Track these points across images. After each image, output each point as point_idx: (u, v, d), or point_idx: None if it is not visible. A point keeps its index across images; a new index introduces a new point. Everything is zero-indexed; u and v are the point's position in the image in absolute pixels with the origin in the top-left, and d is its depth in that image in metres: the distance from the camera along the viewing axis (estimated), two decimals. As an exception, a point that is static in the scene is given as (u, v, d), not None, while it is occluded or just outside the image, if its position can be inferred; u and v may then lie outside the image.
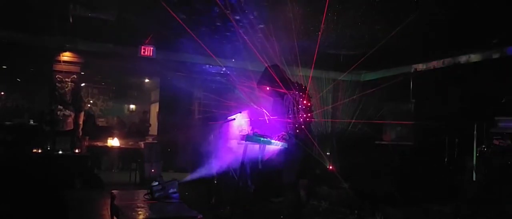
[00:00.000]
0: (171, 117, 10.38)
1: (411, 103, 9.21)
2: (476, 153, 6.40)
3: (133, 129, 11.39)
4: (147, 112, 12.40)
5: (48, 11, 7.28)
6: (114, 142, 9.07)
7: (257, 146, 4.85)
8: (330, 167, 7.58)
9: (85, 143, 8.65)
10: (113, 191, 4.51)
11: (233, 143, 5.31)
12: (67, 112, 8.81)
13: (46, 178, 6.86)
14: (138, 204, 3.94)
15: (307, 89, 4.88)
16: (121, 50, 9.26)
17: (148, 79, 12.91)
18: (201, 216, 3.60)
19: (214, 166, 5.99)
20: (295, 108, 4.63)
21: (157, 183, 4.22)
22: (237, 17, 6.76)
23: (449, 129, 7.54)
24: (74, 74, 9.09)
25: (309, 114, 4.64)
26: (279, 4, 6.32)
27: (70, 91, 8.95)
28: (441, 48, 8.28)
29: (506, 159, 5.91)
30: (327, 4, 5.88)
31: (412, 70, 9.49)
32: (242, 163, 4.98)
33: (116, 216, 4.03)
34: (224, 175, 5.67)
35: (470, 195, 6.03)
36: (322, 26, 6.85)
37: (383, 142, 9.04)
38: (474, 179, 6.46)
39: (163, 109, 11.42)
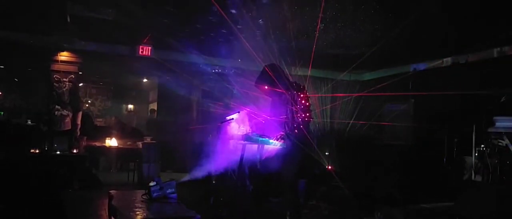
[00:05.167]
0: (169, 117, 10.36)
1: (410, 102, 9.20)
2: (475, 153, 6.39)
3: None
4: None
5: (45, 10, 7.26)
6: (112, 142, 9.04)
7: (255, 146, 4.83)
8: (329, 167, 7.57)
9: (83, 143, 8.61)
10: (111, 191, 4.49)
11: (232, 143, 5.30)
12: (65, 112, 8.78)
13: (44, 178, 6.84)
14: (136, 205, 3.92)
15: (306, 88, 4.85)
16: (119, 50, 9.24)
17: (146, 79, 12.88)
18: (199, 216, 3.58)
19: (212, 166, 5.97)
20: (293, 107, 4.61)
21: (155, 183, 4.20)
22: (236, 17, 6.74)
23: (448, 129, 7.54)
24: (72, 74, 9.07)
25: (307, 114, 4.61)
26: (278, 2, 6.31)
27: (68, 91, 8.93)
28: (441, 48, 8.27)
29: (505, 159, 5.90)
30: (322, 2, 5.86)
31: (412, 69, 9.48)
32: (241, 163, 4.96)
33: (114, 217, 4.01)
34: (223, 175, 5.65)
35: (469, 194, 6.02)
36: (319, 25, 6.84)
37: (382, 142, 9.03)
38: (473, 178, 6.45)
39: (161, 109, 11.39)
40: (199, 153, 6.65)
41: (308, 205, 6.27)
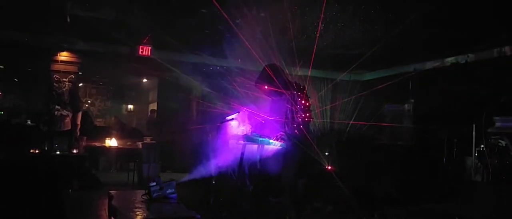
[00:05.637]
0: (169, 117, 10.36)
1: (410, 103, 9.19)
2: (475, 153, 6.39)
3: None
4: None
5: (45, 10, 7.26)
6: (112, 142, 9.03)
7: (255, 146, 4.84)
8: (329, 167, 7.56)
9: (83, 143, 8.60)
10: (110, 191, 4.48)
11: (232, 143, 5.30)
12: (65, 112, 8.77)
13: (43, 179, 6.83)
14: (136, 205, 3.92)
15: (306, 88, 4.86)
16: (119, 50, 9.24)
17: (146, 79, 12.88)
18: (199, 216, 3.57)
19: (212, 166, 5.97)
20: (293, 107, 4.62)
21: (155, 183, 4.19)
22: (236, 17, 6.74)
23: (448, 129, 7.53)
24: (71, 74, 9.09)
25: (307, 114, 4.62)
26: (279, 3, 6.31)
27: (67, 91, 8.92)
28: (441, 48, 8.27)
29: (505, 159, 5.89)
30: (324, 3, 5.87)
31: (412, 69, 9.49)
32: (241, 163, 4.96)
33: (113, 217, 4.00)
34: (223, 176, 5.65)
35: (469, 194, 6.02)
36: (320, 25, 6.84)
37: (382, 142, 9.02)
38: (473, 178, 6.45)
39: (161, 109, 11.39)
40: (199, 153, 6.65)
41: (308, 205, 6.28)
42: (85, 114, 10.02)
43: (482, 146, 6.18)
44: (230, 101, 7.73)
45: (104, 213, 5.33)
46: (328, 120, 9.94)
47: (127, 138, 9.42)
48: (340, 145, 8.76)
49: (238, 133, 5.15)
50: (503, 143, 5.93)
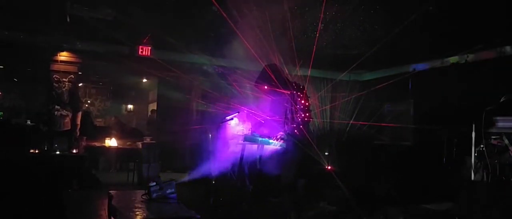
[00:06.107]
0: (169, 117, 10.36)
1: (410, 102, 9.20)
2: (475, 153, 6.38)
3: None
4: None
5: (45, 10, 7.26)
6: (111, 142, 9.04)
7: (255, 146, 4.84)
8: (329, 167, 7.57)
9: (83, 143, 8.61)
10: (110, 191, 4.48)
11: (231, 143, 5.30)
12: (65, 112, 8.78)
13: (43, 179, 6.83)
14: (136, 205, 3.92)
15: (305, 88, 4.86)
16: (119, 50, 9.23)
17: (146, 79, 12.88)
18: (199, 216, 3.57)
19: (212, 166, 5.97)
20: (293, 107, 4.62)
21: (154, 183, 4.19)
22: (236, 16, 6.74)
23: (447, 129, 7.53)
24: (71, 74, 9.08)
25: (307, 114, 4.63)
26: (279, 3, 6.30)
27: (67, 91, 8.93)
28: (441, 48, 8.27)
29: (504, 159, 5.89)
30: (324, 2, 5.87)
31: (412, 70, 9.48)
32: (240, 163, 4.97)
33: (113, 217, 4.01)
34: (222, 175, 5.66)
35: (469, 194, 6.01)
36: (320, 25, 6.84)
37: (381, 142, 9.02)
38: (472, 178, 6.45)
39: (161, 109, 11.39)
40: (199, 153, 6.66)
41: (308, 205, 6.28)
42: (85, 114, 10.03)
43: (482, 146, 6.17)
44: (230, 101, 7.74)
45: (104, 213, 5.33)
46: (328, 120, 9.94)
47: (127, 138, 9.42)
48: (340, 145, 8.76)
49: (238, 133, 5.16)
50: (503, 143, 5.92)
